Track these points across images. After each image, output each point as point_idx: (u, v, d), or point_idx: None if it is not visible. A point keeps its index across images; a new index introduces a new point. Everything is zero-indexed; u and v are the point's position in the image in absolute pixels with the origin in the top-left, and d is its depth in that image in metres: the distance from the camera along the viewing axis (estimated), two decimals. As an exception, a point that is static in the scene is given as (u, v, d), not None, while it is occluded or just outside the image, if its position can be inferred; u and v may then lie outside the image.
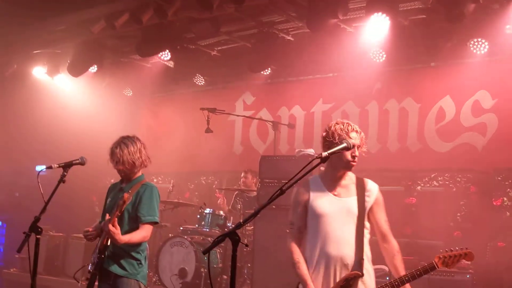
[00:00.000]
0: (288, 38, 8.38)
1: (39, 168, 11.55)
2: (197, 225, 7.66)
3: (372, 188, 3.64)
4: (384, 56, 8.10)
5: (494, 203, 7.14)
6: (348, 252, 3.43)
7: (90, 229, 4.41)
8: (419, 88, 8.26)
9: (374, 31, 7.62)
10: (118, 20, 7.47)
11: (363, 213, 3.51)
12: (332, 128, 3.61)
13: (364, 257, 3.44)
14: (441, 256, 3.42)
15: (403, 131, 8.32)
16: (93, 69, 9.08)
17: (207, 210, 7.61)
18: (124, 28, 7.83)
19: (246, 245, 3.40)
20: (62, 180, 4.14)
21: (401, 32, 7.59)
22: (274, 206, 6.36)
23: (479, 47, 7.34)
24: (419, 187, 7.95)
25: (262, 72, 9.09)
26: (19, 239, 10.19)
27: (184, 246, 7.27)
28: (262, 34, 8.20)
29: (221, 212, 7.64)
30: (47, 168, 4.20)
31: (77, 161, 4.26)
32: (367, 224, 3.55)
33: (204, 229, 7.53)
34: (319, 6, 6.88)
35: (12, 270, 8.67)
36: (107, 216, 4.13)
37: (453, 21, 6.47)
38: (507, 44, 7.18)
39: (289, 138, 9.34)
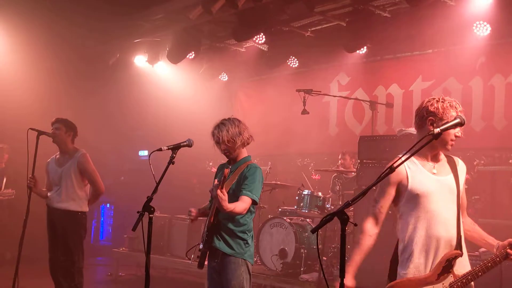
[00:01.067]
0: (385, 14, 8.15)
1: (141, 153, 12.13)
2: (295, 207, 7.70)
3: (462, 165, 3.54)
4: (489, 29, 7.69)
5: None
6: (454, 232, 3.33)
7: (193, 210, 4.55)
8: (527, 62, 7.78)
9: (477, 3, 7.25)
10: (215, 5, 7.60)
11: (459, 191, 3.42)
12: (436, 104, 3.41)
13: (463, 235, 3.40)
14: None
15: (510, 108, 7.87)
16: (191, 55, 9.32)
17: (305, 192, 7.62)
18: (220, 13, 7.98)
19: (355, 224, 3.35)
20: (171, 161, 4.26)
21: (507, 2, 7.16)
22: (374, 188, 6.30)
23: None
24: (529, 167, 7.51)
25: (357, 51, 8.92)
26: (125, 220, 10.80)
27: (283, 227, 7.34)
28: (357, 12, 8.03)
29: (320, 194, 7.63)
30: (156, 150, 4.34)
31: (185, 143, 4.37)
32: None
33: (303, 211, 7.56)
34: (419, -21, 6.64)
35: (121, 249, 9.11)
36: (215, 182, 4.22)
37: None
38: None
39: (387, 118, 9.13)
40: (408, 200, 3.41)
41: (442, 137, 3.31)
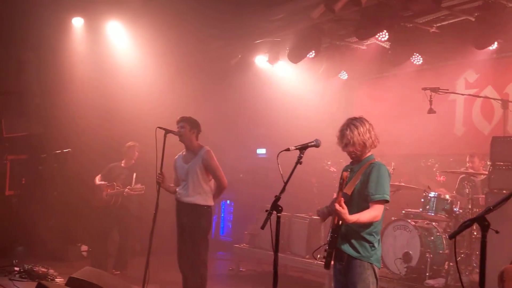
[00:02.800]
0: (518, 7, 7.65)
1: (259, 151, 12.35)
2: (421, 209, 7.44)
3: None
4: None
5: None
6: None
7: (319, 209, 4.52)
8: None
9: None
10: (338, 3, 7.54)
11: None
12: None
13: None
14: None
15: None
16: (311, 54, 9.33)
17: (432, 194, 7.33)
18: (342, 11, 7.90)
19: (497, 232, 3.18)
20: (299, 161, 4.30)
21: None
22: (504, 191, 5.94)
23: None
24: None
25: (487, 48, 8.45)
26: (245, 216, 11.04)
27: (407, 230, 7.13)
28: (488, 6, 7.60)
29: (447, 196, 7.30)
30: (284, 150, 4.38)
31: (312, 143, 4.38)
32: None
33: (429, 213, 7.28)
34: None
35: (242, 245, 9.33)
36: (334, 196, 4.20)
37: None
38: None
39: (520, 117, 8.56)
40: None
41: None
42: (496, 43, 8.37)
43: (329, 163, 10.73)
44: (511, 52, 8.83)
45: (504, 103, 8.02)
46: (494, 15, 7.55)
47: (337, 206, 3.99)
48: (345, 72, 10.59)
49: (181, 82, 10.13)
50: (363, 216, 4.13)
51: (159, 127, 6.05)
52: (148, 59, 9.95)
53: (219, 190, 6.36)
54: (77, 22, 9.55)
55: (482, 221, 2.93)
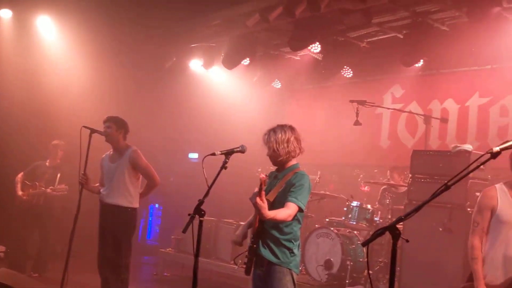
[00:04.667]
0: (443, 28, 8.03)
1: (191, 155, 12.30)
2: (343, 218, 7.64)
3: None
4: (552, 47, 7.46)
5: None
6: None
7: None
8: None
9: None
10: (272, 13, 7.66)
11: None
12: None
13: None
14: None
15: None
16: (246, 61, 9.41)
17: (354, 203, 7.56)
18: (276, 21, 8.03)
19: (407, 240, 3.30)
20: (224, 166, 4.32)
21: None
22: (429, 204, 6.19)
23: None
24: None
25: (413, 65, 8.81)
26: (173, 221, 10.90)
27: (330, 237, 7.29)
28: (416, 25, 7.94)
29: (369, 206, 7.56)
30: (210, 155, 4.40)
31: (238, 149, 4.42)
32: None
33: (351, 222, 7.50)
34: (482, -7, 6.52)
35: (168, 250, 9.25)
36: (256, 189, 4.21)
37: None
38: None
39: (441, 133, 8.95)
40: (494, 222, 3.98)
41: None
42: (422, 60, 8.75)
43: (259, 170, 10.80)
44: (435, 70, 9.22)
45: (427, 118, 8.37)
46: (421, 34, 7.88)
47: (258, 200, 4.02)
48: (278, 81, 10.74)
49: (114, 82, 9.94)
50: (280, 214, 4.16)
51: (84, 126, 5.90)
52: (80, 57, 9.69)
53: (149, 188, 6.24)
54: (5, 14, 9.18)
55: (393, 230, 3.01)
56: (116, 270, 6.03)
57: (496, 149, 3.09)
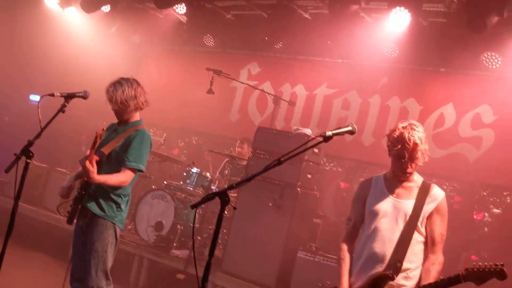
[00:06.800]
0: (306, 16, 8.33)
1: (33, 97, 11.49)
2: (181, 182, 7.67)
3: (436, 194, 3.50)
4: (397, 52, 8.10)
5: (475, 217, 7.23)
6: (386, 250, 3.41)
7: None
8: (424, 91, 8.25)
9: (392, 26, 7.58)
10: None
11: (417, 217, 3.41)
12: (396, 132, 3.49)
13: (406, 260, 3.38)
14: (470, 269, 3.08)
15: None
16: (106, 8, 8.97)
17: (194, 170, 7.61)
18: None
19: (234, 208, 3.39)
20: (62, 110, 4.09)
21: (418, 32, 7.57)
22: (260, 178, 6.43)
23: (492, 62, 7.36)
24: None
25: (273, 45, 9.05)
26: (4, 163, 10.13)
27: (165, 200, 7.28)
28: (281, 7, 8.14)
29: (208, 174, 7.66)
30: (48, 95, 4.14)
31: (80, 94, 4.22)
32: (422, 230, 3.45)
33: (188, 187, 7.55)
34: (345, -11, 6.85)
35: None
36: (87, 152, 4.10)
37: (473, 30, 6.45)
38: (520, 64, 7.20)
39: (287, 115, 9.34)
40: (366, 216, 3.60)
41: (393, 162, 3.52)
42: (281, 43, 9.01)
43: (104, 123, 10.44)
44: (292, 55, 9.54)
45: (277, 99, 8.61)
46: (284, 17, 8.10)
47: (87, 163, 3.92)
48: (138, 37, 10.40)
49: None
50: (111, 179, 4.10)
51: None
52: None
53: None
54: None
55: (223, 196, 3.06)
56: None
57: (329, 133, 3.23)
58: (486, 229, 7.15)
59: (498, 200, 7.36)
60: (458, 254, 6.76)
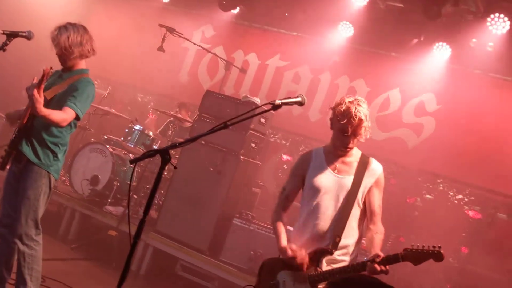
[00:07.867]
0: (267, -17, 8.23)
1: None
2: (122, 138, 7.49)
3: (375, 168, 3.51)
4: (352, 32, 8.13)
5: (408, 200, 7.46)
6: (327, 226, 3.42)
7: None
8: (373, 73, 8.37)
9: (350, 4, 7.61)
10: None
11: (356, 192, 3.42)
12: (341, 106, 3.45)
13: (345, 236, 3.40)
14: (409, 249, 3.11)
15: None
16: None
17: (137, 127, 7.45)
18: None
19: (175, 167, 3.33)
20: (2, 48, 3.88)
21: (375, 14, 7.64)
22: (203, 142, 6.37)
23: (443, 51, 7.53)
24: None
25: (230, 10, 8.91)
26: None
27: (104, 154, 7.10)
28: (242, -30, 8.00)
29: (150, 133, 7.52)
30: (-12, 29, 3.90)
31: (24, 34, 4.00)
32: (361, 204, 3.46)
33: (129, 144, 7.39)
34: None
35: None
36: (34, 80, 3.91)
37: (428, 17, 6.56)
38: (468, 57, 7.39)
39: (237, 82, 9.27)
40: (305, 190, 3.58)
41: (335, 136, 3.49)
42: (238, 8, 8.87)
43: (51, 69, 10.04)
44: (248, 22, 9.45)
45: (228, 65, 8.53)
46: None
47: (35, 92, 3.72)
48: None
49: None
50: (55, 115, 3.91)
51: None
52: None
53: None
54: None
55: (164, 154, 2.99)
56: None
57: (278, 102, 3.20)
58: (416, 213, 7.38)
59: (431, 186, 7.61)
60: (388, 235, 6.91)
